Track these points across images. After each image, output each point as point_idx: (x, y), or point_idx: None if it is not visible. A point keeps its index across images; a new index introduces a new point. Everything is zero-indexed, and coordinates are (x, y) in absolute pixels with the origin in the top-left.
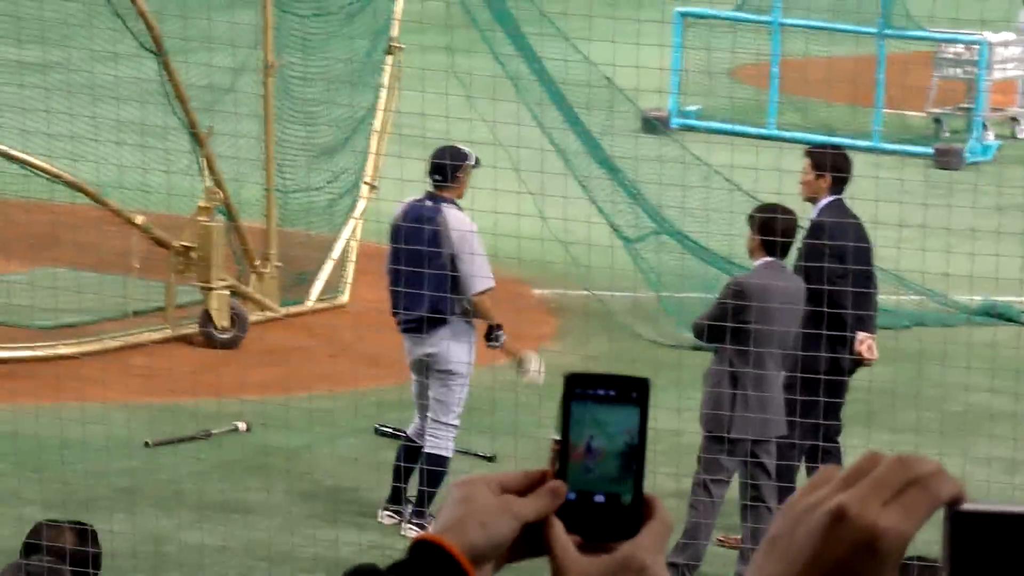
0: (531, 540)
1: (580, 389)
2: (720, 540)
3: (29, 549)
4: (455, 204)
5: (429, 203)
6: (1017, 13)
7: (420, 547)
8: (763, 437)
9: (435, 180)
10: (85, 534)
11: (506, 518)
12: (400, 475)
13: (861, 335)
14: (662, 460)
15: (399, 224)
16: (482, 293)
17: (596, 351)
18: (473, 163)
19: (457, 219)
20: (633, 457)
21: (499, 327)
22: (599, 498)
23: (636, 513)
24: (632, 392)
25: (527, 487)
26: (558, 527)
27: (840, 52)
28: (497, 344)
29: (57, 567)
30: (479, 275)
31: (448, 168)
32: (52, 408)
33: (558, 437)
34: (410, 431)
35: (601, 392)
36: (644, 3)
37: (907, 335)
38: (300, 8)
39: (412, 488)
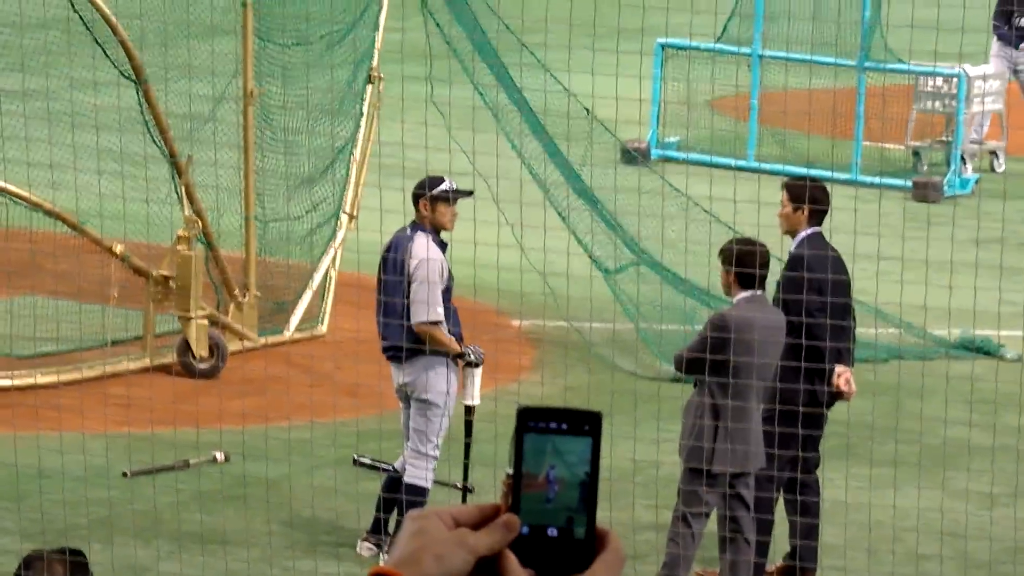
0: (485, 574)
1: (533, 422)
2: (698, 574)
3: None
4: (430, 233)
5: (408, 231)
6: (991, 44)
7: None
8: (744, 470)
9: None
10: (75, 565)
11: (461, 552)
12: (382, 506)
13: (839, 368)
14: (640, 492)
15: (384, 255)
16: (426, 324)
17: (575, 383)
18: (442, 193)
19: (421, 247)
20: (588, 489)
21: (466, 349)
22: (552, 532)
23: (589, 546)
24: (584, 425)
25: (481, 521)
26: (512, 561)
27: (819, 84)
28: (476, 361)
29: None
30: (423, 303)
31: (413, 197)
32: (30, 437)
33: (511, 471)
34: (397, 463)
35: (554, 425)
36: (624, 34)
37: (885, 368)
38: (281, 37)
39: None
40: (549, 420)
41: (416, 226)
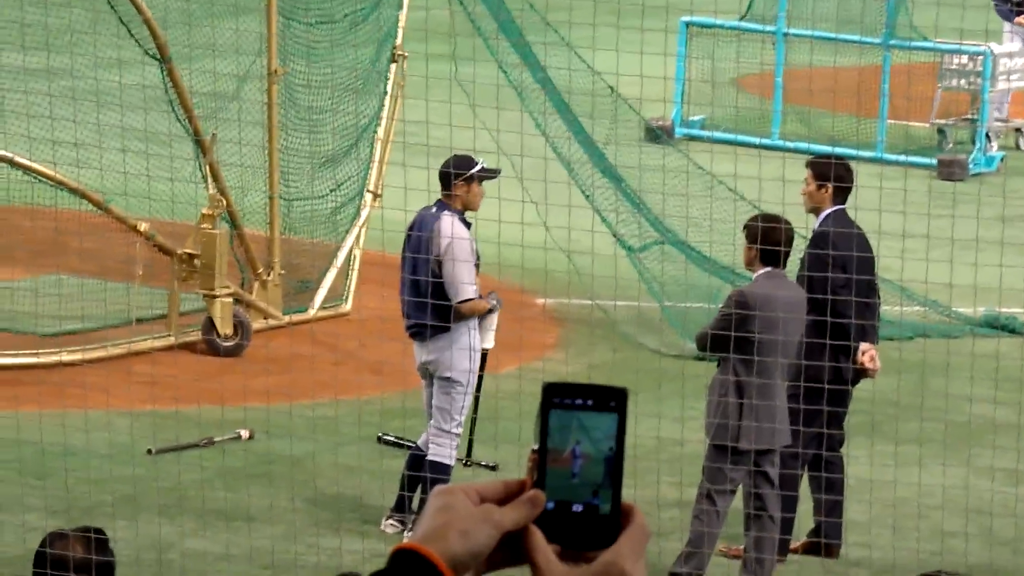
0: (510, 549)
1: (559, 398)
2: (723, 551)
3: (41, 559)
4: (456, 213)
5: (434, 209)
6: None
7: (401, 556)
8: (769, 447)
9: (441, 188)
10: (98, 542)
11: (486, 527)
12: (406, 483)
13: (864, 346)
14: (665, 469)
15: (409, 232)
16: (465, 302)
17: (599, 361)
18: (477, 173)
19: (450, 227)
20: (614, 464)
21: (491, 309)
22: (577, 507)
23: (614, 522)
24: (611, 401)
25: (506, 496)
26: (538, 536)
27: (844, 62)
28: (495, 309)
29: None
30: (462, 283)
31: (445, 176)
32: (55, 415)
33: (536, 447)
34: (420, 440)
35: (579, 401)
36: (649, 12)
37: (910, 346)
38: (305, 16)
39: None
40: (575, 396)
41: (443, 205)
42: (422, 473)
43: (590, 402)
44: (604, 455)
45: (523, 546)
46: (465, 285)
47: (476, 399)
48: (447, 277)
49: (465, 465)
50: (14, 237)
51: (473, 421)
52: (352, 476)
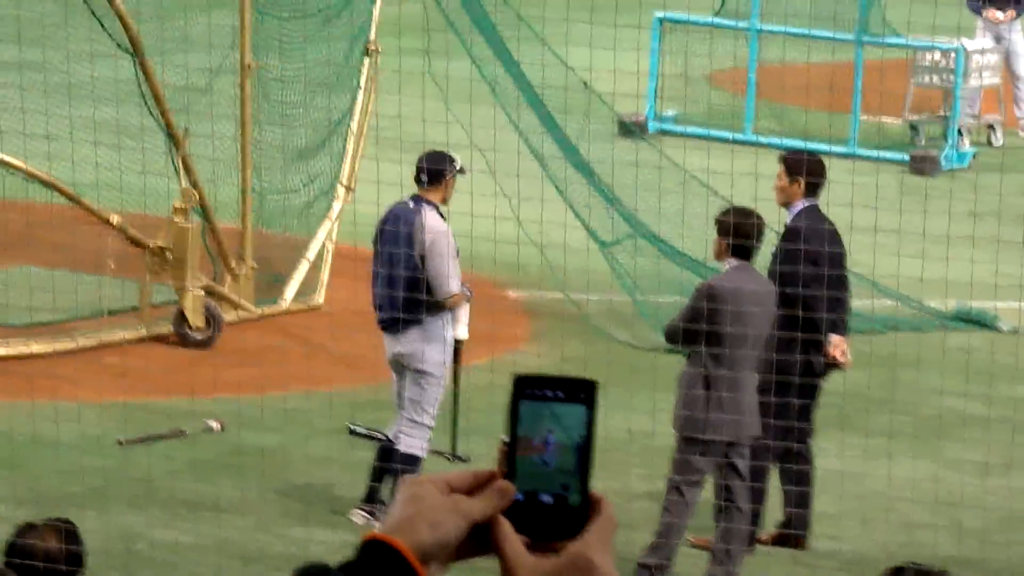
0: (479, 539)
1: (529, 390)
2: (691, 541)
3: (12, 550)
4: (435, 207)
5: (411, 204)
6: (976, 19)
7: (370, 546)
8: (737, 439)
9: (420, 182)
10: (68, 533)
11: (455, 517)
12: (377, 475)
13: (834, 339)
14: (636, 462)
15: (381, 226)
16: (450, 297)
17: (571, 354)
18: (459, 169)
19: (433, 221)
20: (583, 455)
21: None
22: (546, 498)
23: (583, 513)
24: (580, 393)
25: (475, 487)
26: (507, 527)
27: (817, 58)
28: (467, 299)
29: None
30: (448, 276)
31: (433, 172)
32: (25, 406)
33: (507, 438)
34: (390, 432)
35: (550, 393)
36: (622, 8)
37: (881, 340)
38: (278, 10)
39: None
40: (545, 388)
41: (420, 199)
42: (392, 464)
43: (560, 394)
44: (575, 444)
45: (491, 537)
46: (451, 279)
47: (455, 392)
48: (433, 271)
49: (449, 460)
50: None
51: (455, 415)
52: (322, 467)
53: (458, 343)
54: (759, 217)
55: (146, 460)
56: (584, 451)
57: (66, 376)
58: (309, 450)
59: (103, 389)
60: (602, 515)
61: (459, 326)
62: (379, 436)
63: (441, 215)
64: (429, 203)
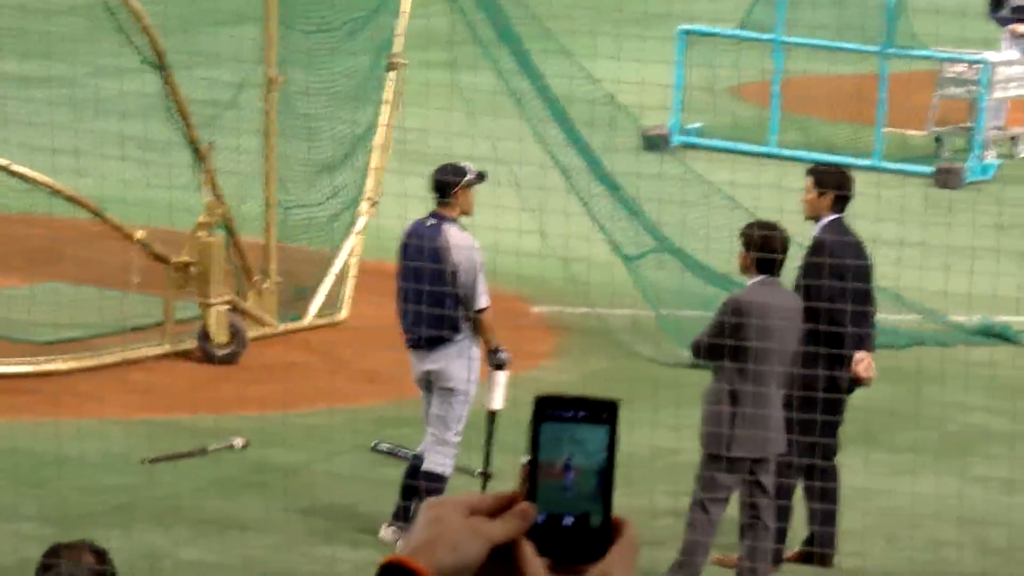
0: (500, 562)
1: (551, 411)
2: (718, 559)
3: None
4: (455, 222)
5: (432, 221)
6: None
7: (389, 569)
8: (762, 455)
9: (436, 198)
10: (99, 555)
11: (476, 540)
12: (406, 493)
13: (859, 354)
14: (660, 478)
15: (406, 242)
16: (483, 310)
17: (594, 369)
18: (473, 179)
19: (459, 237)
20: (605, 477)
21: (500, 349)
22: (568, 520)
23: (604, 535)
24: (603, 413)
25: (497, 509)
26: (528, 549)
27: (842, 70)
28: (504, 365)
29: None
30: (481, 292)
31: (444, 185)
32: (50, 424)
33: (527, 459)
34: (419, 449)
35: (571, 413)
36: (648, 21)
37: (905, 355)
38: (303, 24)
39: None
40: (567, 408)
41: (440, 216)
42: (418, 482)
43: (582, 414)
44: (596, 467)
45: (513, 559)
46: (484, 294)
47: (491, 430)
48: (466, 287)
49: (472, 476)
50: (10, 245)
51: (489, 434)
52: (346, 485)
53: (491, 416)
54: (783, 230)
55: (171, 478)
56: (606, 474)
57: (90, 393)
58: (333, 467)
59: (127, 406)
60: (624, 537)
61: (497, 395)
62: (402, 454)
63: (464, 228)
64: (447, 219)
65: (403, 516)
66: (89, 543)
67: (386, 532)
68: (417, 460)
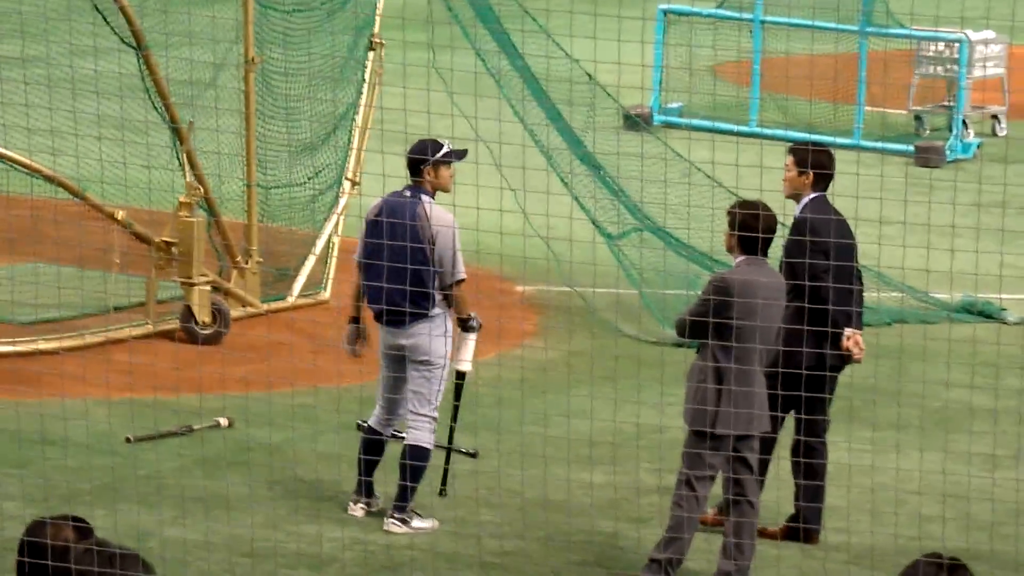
0: None
1: None
2: (712, 518)
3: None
4: (431, 196)
5: (408, 193)
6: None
7: None
8: (747, 433)
9: (410, 173)
10: (82, 531)
11: None
12: (362, 467)
13: (848, 331)
14: (644, 456)
15: (376, 218)
16: (460, 281)
17: (578, 348)
18: (450, 155)
19: (437, 213)
20: None
21: (472, 316)
22: None
23: None
24: None
25: None
26: None
27: (822, 50)
28: (475, 329)
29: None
30: (460, 264)
31: (419, 160)
32: (32, 404)
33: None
34: (371, 422)
35: None
36: (627, 1)
37: (888, 332)
38: (281, 3)
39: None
40: None
41: (417, 190)
42: (378, 456)
43: None
44: None
45: None
46: (460, 265)
47: (459, 388)
48: (443, 260)
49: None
50: None
51: (455, 409)
52: (331, 464)
53: (460, 375)
54: (769, 210)
55: (155, 457)
56: None
57: (73, 374)
58: (318, 446)
59: (111, 386)
60: None
61: (466, 355)
62: (390, 435)
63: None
64: (426, 192)
65: (367, 492)
66: (72, 517)
67: (391, 525)
68: (372, 434)
